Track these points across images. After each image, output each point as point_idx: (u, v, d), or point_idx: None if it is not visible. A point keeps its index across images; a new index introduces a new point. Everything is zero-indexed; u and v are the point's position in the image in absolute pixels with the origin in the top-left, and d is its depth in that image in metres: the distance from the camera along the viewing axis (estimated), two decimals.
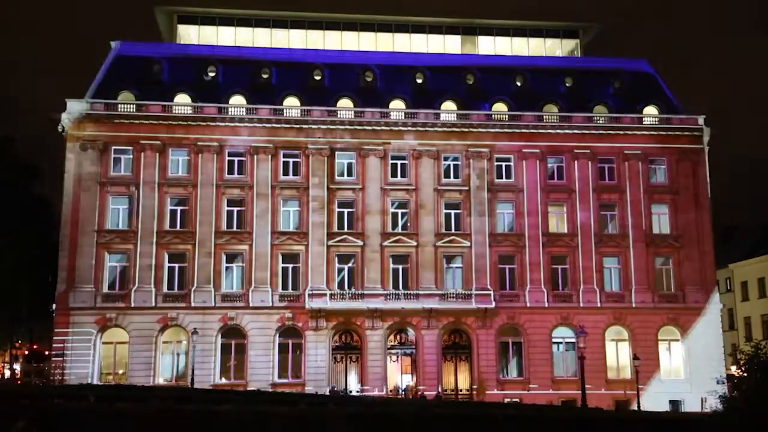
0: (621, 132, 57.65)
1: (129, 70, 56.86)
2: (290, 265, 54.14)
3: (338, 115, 56.28)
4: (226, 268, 53.82)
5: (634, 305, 55.56)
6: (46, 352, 61.14)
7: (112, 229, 53.35)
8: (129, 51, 58.13)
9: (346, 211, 55.40)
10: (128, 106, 55.01)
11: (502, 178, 56.81)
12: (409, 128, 56.29)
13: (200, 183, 54.28)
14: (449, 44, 63.81)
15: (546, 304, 54.90)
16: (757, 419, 20.02)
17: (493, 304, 53.94)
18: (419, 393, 51.94)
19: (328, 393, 48.41)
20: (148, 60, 57.70)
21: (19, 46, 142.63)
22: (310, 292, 53.13)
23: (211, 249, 53.51)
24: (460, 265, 55.31)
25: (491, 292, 54.28)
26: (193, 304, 52.51)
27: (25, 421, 15.33)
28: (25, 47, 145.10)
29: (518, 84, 60.33)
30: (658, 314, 55.80)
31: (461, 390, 53.99)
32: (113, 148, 54.10)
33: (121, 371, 51.92)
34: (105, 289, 52.40)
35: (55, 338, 51.68)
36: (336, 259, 54.62)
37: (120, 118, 54.25)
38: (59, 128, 53.67)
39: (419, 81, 59.53)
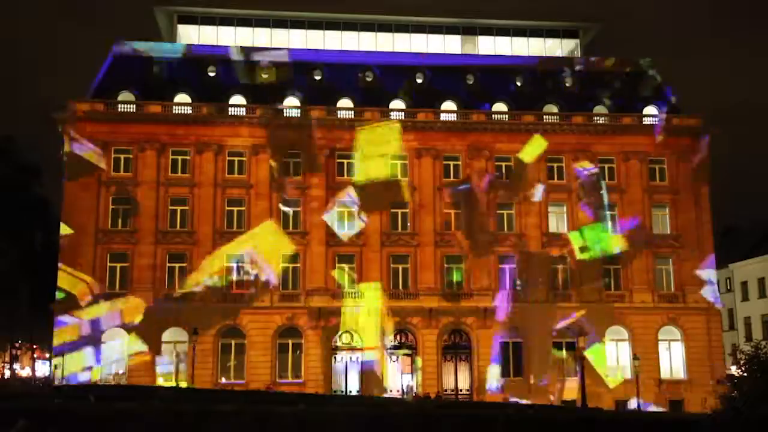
0: (621, 132, 57.65)
1: (129, 70, 56.86)
2: (290, 265, 54.14)
3: (338, 115, 56.29)
4: (227, 267, 53.81)
5: (634, 305, 55.60)
6: None
7: (112, 229, 53.35)
8: (129, 51, 58.15)
9: (346, 211, 55.38)
10: (128, 105, 55.01)
11: (502, 178, 56.81)
12: (409, 128, 56.28)
13: (200, 183, 54.33)
14: (449, 44, 63.76)
15: (546, 304, 54.83)
16: (757, 419, 20.01)
17: (494, 304, 53.93)
18: (419, 393, 51.89)
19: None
20: (148, 60, 57.71)
21: (19, 46, 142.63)
22: (310, 292, 53.13)
23: (211, 249, 53.49)
24: (461, 265, 55.30)
25: (491, 292, 54.27)
26: (193, 304, 52.45)
27: (25, 421, 15.32)
28: (25, 47, 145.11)
29: (518, 84, 60.36)
30: (658, 314, 55.82)
31: (461, 390, 53.98)
32: (113, 147, 54.10)
33: (121, 371, 51.88)
34: (105, 289, 52.34)
35: (55, 338, 51.66)
36: (336, 259, 54.63)
37: (120, 118, 54.24)
38: (59, 128, 53.65)
39: (419, 81, 59.54)
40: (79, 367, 50.43)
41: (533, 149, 56.19)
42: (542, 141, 56.24)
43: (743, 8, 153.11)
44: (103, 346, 51.98)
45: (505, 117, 57.83)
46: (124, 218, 53.72)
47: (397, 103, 57.91)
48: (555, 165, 57.34)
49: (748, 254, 75.23)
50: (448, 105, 58.23)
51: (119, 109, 54.69)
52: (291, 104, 56.93)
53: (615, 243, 55.75)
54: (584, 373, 41.54)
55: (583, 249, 55.31)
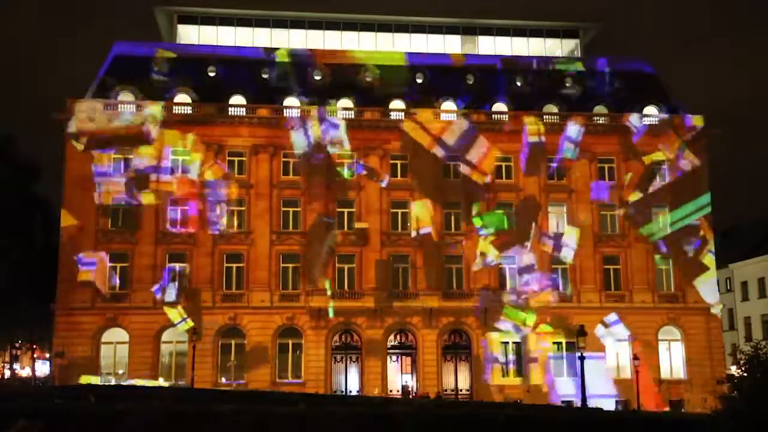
0: (621, 132, 57.59)
1: (129, 70, 56.78)
2: (290, 265, 54.12)
3: (338, 115, 56.25)
4: (226, 268, 53.81)
5: (634, 305, 55.62)
6: None
7: (112, 229, 53.32)
8: (129, 51, 58.11)
9: (346, 211, 55.37)
10: (128, 105, 54.95)
11: (502, 178, 56.77)
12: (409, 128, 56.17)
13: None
14: (449, 44, 63.73)
15: (546, 304, 54.79)
16: (757, 419, 19.99)
17: (493, 304, 53.87)
18: (419, 393, 51.87)
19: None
20: (147, 60, 57.66)
21: (19, 46, 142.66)
22: (310, 292, 53.12)
23: (211, 249, 53.48)
24: (461, 265, 55.25)
25: (491, 292, 54.20)
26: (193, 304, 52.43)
27: (25, 421, 15.29)
28: (25, 47, 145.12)
29: (518, 84, 60.31)
30: (658, 314, 55.85)
31: (461, 390, 53.96)
32: (113, 147, 54.00)
33: (121, 371, 51.90)
34: (105, 289, 52.32)
35: (55, 338, 51.67)
36: (336, 259, 54.61)
37: (120, 118, 54.13)
38: (59, 128, 53.59)
39: (419, 81, 59.50)
40: (79, 366, 50.40)
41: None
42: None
43: (743, 8, 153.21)
44: (103, 346, 52.15)
45: (505, 117, 57.79)
46: (124, 218, 53.69)
47: (397, 103, 57.87)
48: (555, 165, 57.25)
49: (748, 254, 75.20)
50: (448, 105, 58.19)
51: (119, 110, 54.62)
52: (291, 104, 56.90)
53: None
54: (584, 373, 41.48)
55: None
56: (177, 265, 53.30)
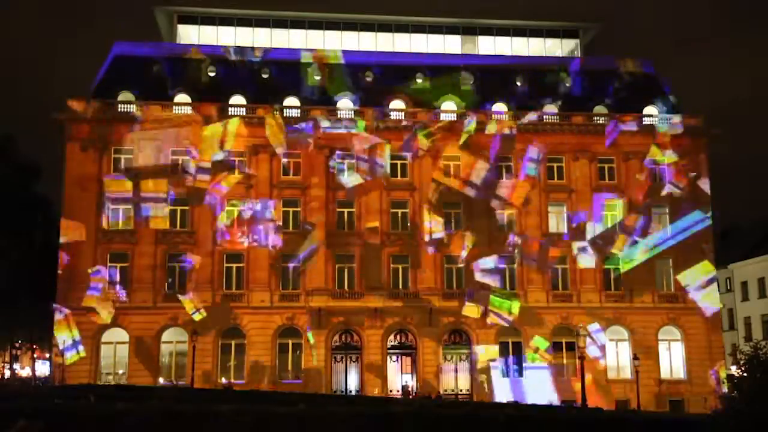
0: (621, 132, 57.55)
1: (129, 70, 56.76)
2: (290, 265, 54.08)
3: (338, 115, 56.22)
4: (226, 268, 53.78)
5: (634, 305, 55.57)
6: None
7: (112, 229, 53.28)
8: (129, 51, 58.09)
9: (346, 211, 55.36)
10: (128, 105, 54.92)
11: (502, 178, 56.75)
12: (409, 128, 56.15)
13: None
14: (449, 44, 63.72)
15: (546, 304, 54.84)
16: (757, 419, 19.98)
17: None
18: (419, 393, 51.85)
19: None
20: (147, 60, 57.62)
21: (19, 46, 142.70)
22: (310, 292, 53.10)
23: (210, 249, 53.45)
24: (461, 265, 55.22)
25: (489, 292, 54.13)
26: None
27: (25, 421, 15.29)
28: (25, 47, 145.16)
29: (518, 84, 60.29)
30: (658, 314, 55.83)
31: (461, 390, 53.95)
32: (113, 147, 54.04)
33: (121, 371, 51.89)
34: (105, 289, 52.21)
35: (55, 338, 51.64)
36: (336, 259, 54.59)
37: (120, 118, 54.14)
38: (59, 128, 53.57)
39: (419, 81, 59.49)
40: (79, 367, 50.38)
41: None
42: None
43: (743, 8, 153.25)
44: (103, 346, 52.16)
45: (506, 117, 57.73)
46: (124, 218, 53.61)
47: (397, 103, 57.87)
48: (555, 165, 57.30)
49: (748, 254, 75.20)
50: (448, 105, 58.15)
51: (119, 109, 54.61)
52: (291, 104, 56.86)
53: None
54: (584, 373, 41.56)
55: None
56: (178, 265, 53.24)
